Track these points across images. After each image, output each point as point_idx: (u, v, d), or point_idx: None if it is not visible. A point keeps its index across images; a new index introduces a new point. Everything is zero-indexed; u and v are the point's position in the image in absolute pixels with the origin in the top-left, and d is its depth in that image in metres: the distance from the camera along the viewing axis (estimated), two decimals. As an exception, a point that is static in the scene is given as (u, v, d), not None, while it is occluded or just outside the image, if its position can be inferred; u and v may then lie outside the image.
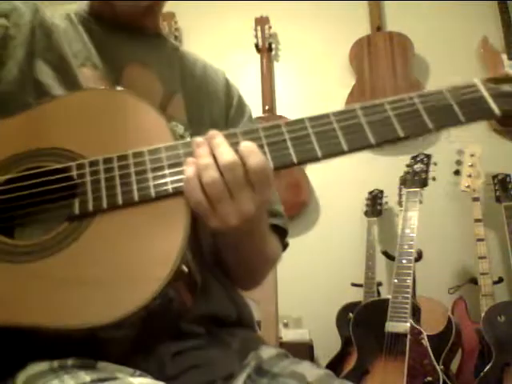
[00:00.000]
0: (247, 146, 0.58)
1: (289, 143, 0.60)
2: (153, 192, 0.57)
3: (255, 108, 2.67)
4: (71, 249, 0.55)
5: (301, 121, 0.61)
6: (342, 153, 0.60)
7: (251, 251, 0.73)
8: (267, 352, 0.75)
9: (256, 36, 2.82)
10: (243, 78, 2.84)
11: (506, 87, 0.64)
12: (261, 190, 0.59)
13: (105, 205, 0.57)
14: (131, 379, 0.50)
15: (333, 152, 0.60)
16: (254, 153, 0.58)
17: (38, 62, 0.73)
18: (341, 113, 0.62)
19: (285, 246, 0.90)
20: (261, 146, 0.59)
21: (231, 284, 0.80)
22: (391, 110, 0.62)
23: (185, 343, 0.66)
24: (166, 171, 0.58)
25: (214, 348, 0.69)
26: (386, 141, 0.60)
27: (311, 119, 0.62)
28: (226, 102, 0.90)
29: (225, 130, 0.61)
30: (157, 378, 0.56)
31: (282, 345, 2.15)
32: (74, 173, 0.59)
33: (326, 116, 0.61)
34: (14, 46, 0.72)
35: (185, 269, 0.57)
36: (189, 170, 0.58)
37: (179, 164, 0.59)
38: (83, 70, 0.75)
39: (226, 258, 0.76)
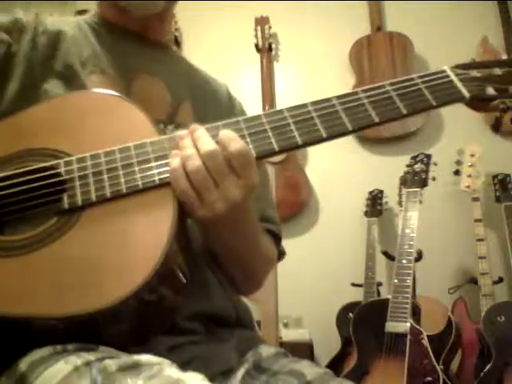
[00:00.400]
0: (226, 133, 0.61)
1: (269, 132, 0.63)
2: (140, 183, 0.59)
3: (255, 108, 2.67)
4: (59, 243, 0.56)
5: (280, 111, 0.65)
6: (321, 140, 0.63)
7: (244, 247, 0.74)
8: (266, 350, 0.75)
9: (256, 36, 2.81)
10: (243, 78, 2.85)
11: (474, 72, 0.68)
12: (244, 175, 0.60)
13: (93, 198, 0.58)
14: (136, 356, 0.50)
15: (312, 139, 0.63)
16: (233, 140, 0.60)
17: (42, 73, 0.73)
18: (318, 102, 0.65)
19: (281, 253, 0.90)
20: (242, 137, 0.62)
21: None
22: (366, 98, 0.65)
23: (181, 338, 0.66)
24: (153, 163, 0.60)
25: (212, 343, 0.70)
26: (361, 127, 0.64)
27: (290, 109, 0.65)
28: (229, 113, 0.89)
29: (207, 124, 0.64)
30: None
31: (282, 345, 2.15)
32: (62, 169, 0.60)
33: (304, 106, 0.65)
34: (14, 63, 0.73)
35: (176, 269, 0.58)
36: (174, 161, 0.60)
37: (165, 156, 0.61)
38: (92, 77, 0.75)
39: (221, 260, 0.76)
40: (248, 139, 0.62)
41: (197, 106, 0.85)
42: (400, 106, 0.65)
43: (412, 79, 0.67)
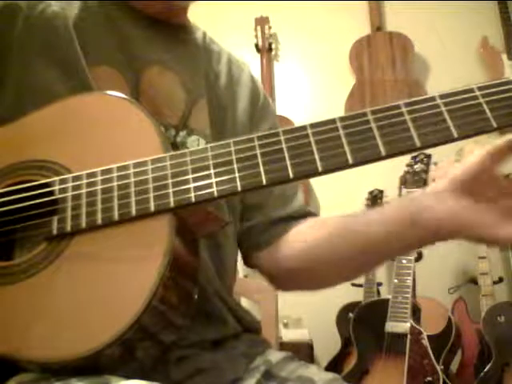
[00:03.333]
0: None
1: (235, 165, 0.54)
2: (133, 210, 0.52)
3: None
4: (43, 274, 0.51)
5: (250, 139, 0.55)
6: (287, 180, 0.56)
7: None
8: (275, 356, 0.73)
9: (256, 36, 2.81)
10: (243, 77, 2.84)
11: None
12: None
13: (83, 224, 0.52)
14: (124, 381, 0.48)
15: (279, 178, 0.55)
16: None
17: (41, 63, 0.66)
18: (291, 131, 0.56)
19: None
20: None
21: (234, 301, 0.78)
22: (375, 122, 0.55)
23: (188, 349, 0.65)
24: (150, 185, 0.53)
25: (220, 352, 0.68)
26: (367, 160, 0.55)
27: (259, 137, 0.55)
28: (252, 102, 0.83)
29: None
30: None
31: (282, 345, 2.15)
32: (57, 188, 0.55)
33: (276, 134, 0.55)
34: (6, 55, 0.66)
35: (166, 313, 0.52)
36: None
37: (164, 178, 0.53)
38: (97, 69, 0.67)
39: (366, 259, 0.71)
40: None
41: (214, 101, 0.77)
42: (452, 130, 0.53)
43: (471, 90, 0.53)
